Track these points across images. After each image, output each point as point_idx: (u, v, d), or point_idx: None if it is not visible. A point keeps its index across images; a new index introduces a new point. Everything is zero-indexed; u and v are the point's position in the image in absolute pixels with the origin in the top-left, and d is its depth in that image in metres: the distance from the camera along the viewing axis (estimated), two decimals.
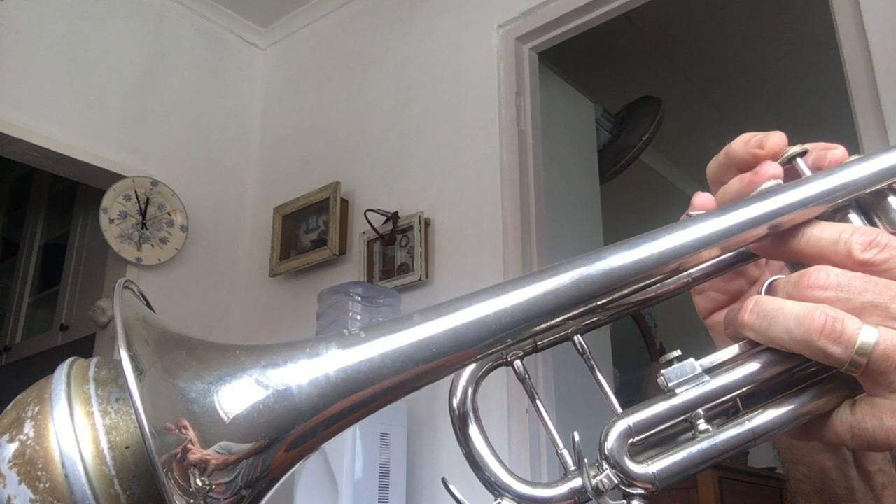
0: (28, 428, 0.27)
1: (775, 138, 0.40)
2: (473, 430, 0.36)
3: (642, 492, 0.33)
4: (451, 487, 0.35)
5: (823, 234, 0.36)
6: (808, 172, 0.39)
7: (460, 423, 0.36)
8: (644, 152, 3.57)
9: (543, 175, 2.47)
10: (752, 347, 0.37)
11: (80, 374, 0.29)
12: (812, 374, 0.37)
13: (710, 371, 0.36)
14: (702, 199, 0.42)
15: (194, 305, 2.90)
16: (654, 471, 0.33)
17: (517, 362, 0.37)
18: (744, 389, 0.36)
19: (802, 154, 0.40)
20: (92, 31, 2.84)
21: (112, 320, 2.70)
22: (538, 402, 0.37)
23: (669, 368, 0.36)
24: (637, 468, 0.33)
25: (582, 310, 0.35)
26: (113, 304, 0.29)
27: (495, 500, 0.35)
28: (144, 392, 0.26)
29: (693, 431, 0.35)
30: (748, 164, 0.41)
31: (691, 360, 0.36)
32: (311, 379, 0.29)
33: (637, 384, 3.75)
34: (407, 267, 2.50)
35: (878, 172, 0.38)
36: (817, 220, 0.37)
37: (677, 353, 0.36)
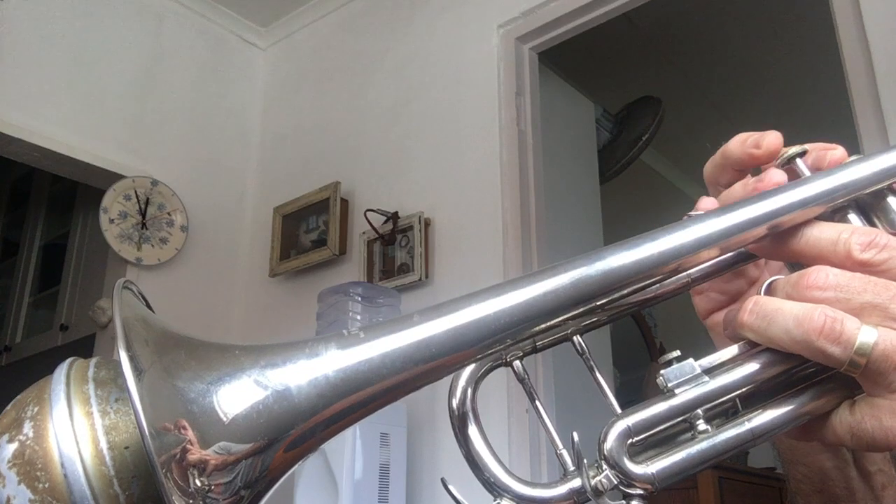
0: (27, 428, 0.27)
1: (771, 138, 0.40)
2: (473, 431, 0.36)
3: (641, 492, 0.33)
4: (451, 488, 0.35)
5: (823, 234, 0.36)
6: (807, 173, 0.39)
7: (460, 423, 0.36)
8: (644, 152, 3.57)
9: (543, 175, 2.47)
10: (752, 348, 0.37)
11: (80, 374, 0.29)
12: (811, 375, 0.37)
13: (710, 371, 0.36)
14: (706, 203, 0.42)
15: (194, 305, 2.90)
16: (654, 471, 0.34)
17: (517, 363, 0.37)
18: (743, 390, 0.36)
19: (802, 154, 0.40)
20: (92, 31, 2.84)
21: (112, 320, 2.70)
22: (538, 402, 0.37)
23: (669, 369, 0.36)
24: (636, 468, 0.33)
25: (581, 310, 0.35)
26: (112, 304, 0.29)
27: (494, 500, 0.35)
28: (143, 392, 0.26)
29: (692, 432, 0.35)
30: (745, 164, 0.41)
31: (690, 360, 0.36)
32: (311, 379, 0.29)
33: (637, 384, 3.75)
34: (407, 267, 2.50)
35: (877, 173, 0.38)
36: (817, 221, 0.37)
37: (676, 353, 0.36)
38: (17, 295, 3.82)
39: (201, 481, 0.26)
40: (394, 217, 2.56)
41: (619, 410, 0.35)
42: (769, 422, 0.36)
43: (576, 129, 3.13)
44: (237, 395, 0.28)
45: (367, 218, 2.58)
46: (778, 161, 0.40)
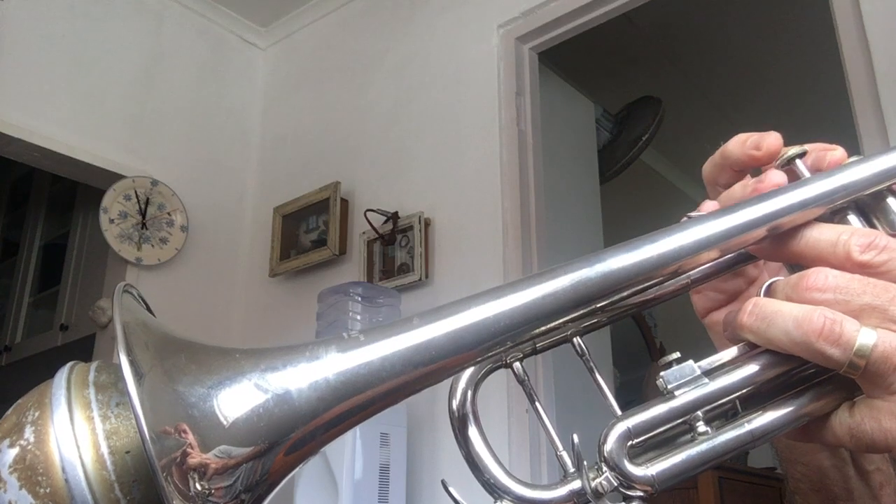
0: (28, 433, 0.27)
1: (771, 139, 0.40)
2: (473, 432, 0.36)
3: (641, 494, 0.33)
4: (451, 489, 0.35)
5: (822, 235, 0.36)
6: (807, 174, 0.39)
7: (460, 424, 0.36)
8: (644, 152, 3.57)
9: (543, 175, 2.47)
10: (751, 349, 0.37)
11: (80, 378, 0.29)
12: (811, 376, 0.37)
13: (709, 373, 0.36)
14: (709, 207, 0.42)
15: (194, 305, 2.90)
16: (654, 473, 0.34)
17: (516, 364, 0.37)
18: (743, 391, 0.36)
19: (801, 155, 0.40)
20: (92, 31, 2.85)
21: (112, 320, 2.70)
22: (537, 403, 0.37)
23: (668, 370, 0.36)
24: (636, 470, 0.33)
25: (581, 312, 0.35)
26: (113, 308, 0.29)
27: (494, 501, 0.35)
28: (144, 396, 0.26)
29: (692, 433, 0.35)
30: (745, 164, 0.41)
31: (690, 362, 0.36)
32: (311, 382, 0.29)
33: (637, 384, 3.75)
34: (407, 267, 2.50)
35: (877, 174, 0.38)
36: (816, 222, 0.37)
37: (676, 355, 0.36)
38: (17, 295, 3.83)
39: (202, 485, 0.26)
40: (394, 217, 2.56)
41: (618, 412, 0.35)
42: (769, 423, 0.36)
43: (576, 129, 3.13)
44: (238, 399, 0.28)
45: (367, 218, 2.58)
46: (777, 162, 0.40)
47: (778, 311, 0.34)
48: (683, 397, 0.35)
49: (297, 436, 0.29)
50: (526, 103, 2.50)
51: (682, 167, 4.56)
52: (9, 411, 0.29)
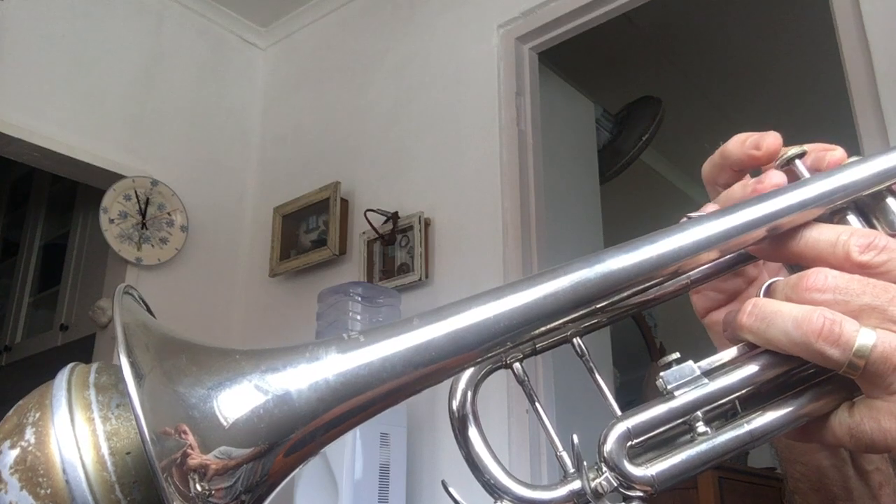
0: (29, 434, 0.27)
1: (771, 139, 0.40)
2: (473, 433, 0.36)
3: (641, 494, 0.33)
4: (451, 490, 0.35)
5: (822, 236, 0.36)
6: (806, 174, 0.39)
7: (460, 425, 0.36)
8: (644, 152, 3.57)
9: (543, 175, 2.47)
10: (751, 350, 0.37)
11: (81, 379, 0.29)
12: (810, 377, 0.37)
13: (709, 373, 0.36)
14: (712, 210, 0.42)
15: (194, 305, 2.90)
16: (653, 473, 0.34)
17: (516, 365, 0.37)
18: (742, 392, 0.36)
19: (801, 156, 0.40)
20: (92, 31, 2.85)
21: (112, 320, 2.71)
22: (537, 404, 0.37)
23: (668, 371, 0.36)
24: (636, 471, 0.33)
25: (581, 313, 0.35)
26: (114, 309, 0.29)
27: (494, 502, 0.35)
28: (144, 397, 0.26)
29: (692, 434, 0.35)
30: (744, 165, 0.41)
31: (690, 362, 0.36)
32: (311, 383, 0.29)
33: (637, 384, 3.75)
34: (407, 267, 2.50)
35: (876, 174, 0.38)
36: (816, 223, 0.37)
37: (676, 355, 0.36)
38: (17, 295, 3.83)
39: (202, 486, 0.26)
40: (394, 217, 2.56)
41: (618, 412, 0.35)
42: (768, 423, 0.36)
43: (576, 129, 3.13)
44: (238, 400, 0.28)
45: (367, 218, 2.58)
46: (777, 162, 0.40)
47: (777, 312, 0.34)
48: (683, 398, 0.35)
49: (297, 437, 0.29)
50: (526, 103, 2.50)
51: (682, 167, 4.56)
52: (10, 412, 0.29)
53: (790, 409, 0.36)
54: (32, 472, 0.27)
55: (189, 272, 2.94)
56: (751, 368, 0.36)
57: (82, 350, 3.01)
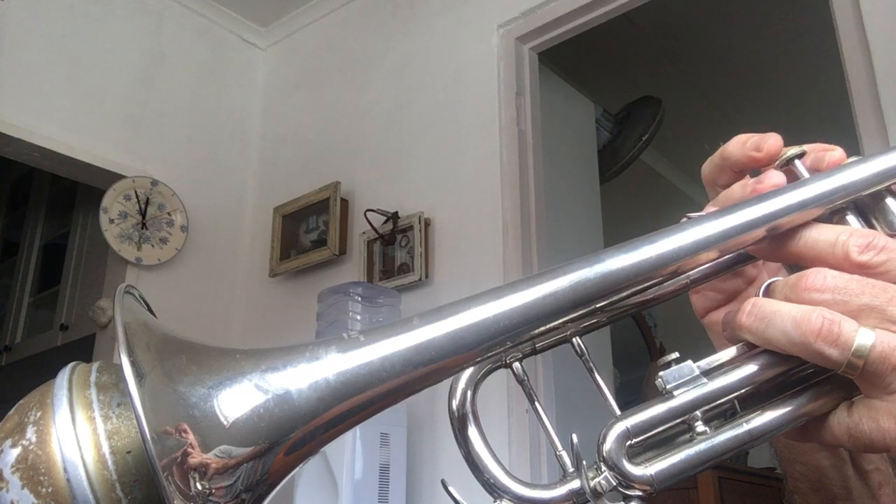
0: (30, 433, 0.27)
1: (772, 141, 0.40)
2: (472, 432, 0.36)
3: (640, 493, 0.34)
4: (451, 489, 0.35)
5: (821, 236, 0.36)
6: (806, 174, 0.39)
7: (459, 424, 0.36)
8: (644, 152, 3.57)
9: (543, 175, 2.48)
10: (750, 349, 0.37)
11: (82, 378, 0.29)
12: (809, 376, 0.37)
13: (708, 373, 0.36)
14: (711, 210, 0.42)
15: (194, 305, 2.90)
16: (652, 472, 0.34)
17: (516, 364, 0.37)
18: (741, 391, 0.36)
19: (800, 156, 0.40)
20: (92, 31, 2.85)
21: (112, 320, 2.71)
22: (537, 403, 0.37)
23: (667, 370, 0.36)
24: (635, 470, 0.34)
25: (580, 312, 0.35)
26: (113, 303, 0.29)
27: (494, 501, 0.35)
28: (145, 397, 0.26)
29: (691, 433, 0.35)
30: (745, 166, 0.41)
31: (689, 362, 0.36)
32: (311, 383, 0.29)
33: (637, 384, 3.75)
34: (407, 267, 2.50)
35: (875, 174, 0.38)
36: (815, 223, 0.37)
37: (675, 355, 0.36)
38: (17, 295, 3.83)
39: (202, 485, 0.26)
40: (394, 217, 2.56)
41: (618, 412, 0.35)
42: (767, 423, 0.36)
43: (576, 129, 3.13)
44: (238, 399, 0.28)
45: (367, 218, 2.58)
46: (777, 162, 0.40)
47: (776, 312, 0.34)
48: (682, 397, 0.35)
49: (297, 436, 0.29)
50: (526, 103, 2.50)
51: (682, 167, 4.56)
52: (11, 411, 0.29)
53: (789, 408, 0.36)
54: (34, 471, 0.27)
55: (189, 272, 2.94)
56: (750, 368, 0.36)
57: (82, 350, 3.01)
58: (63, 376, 0.29)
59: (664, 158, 4.45)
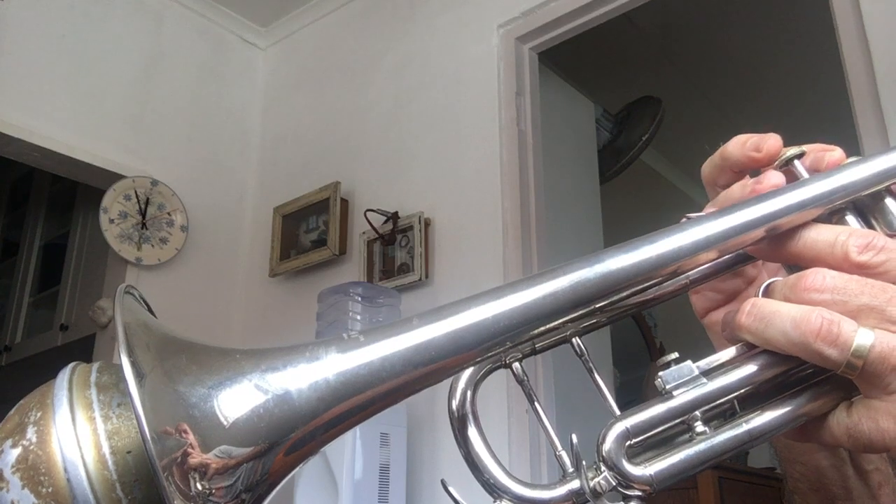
0: (31, 433, 0.27)
1: (772, 141, 0.40)
2: (472, 432, 0.36)
3: (640, 493, 0.34)
4: (451, 489, 0.35)
5: (820, 236, 0.36)
6: (805, 175, 0.39)
7: (459, 425, 0.36)
8: (644, 152, 3.57)
9: (543, 175, 2.48)
10: (750, 349, 0.37)
11: (82, 379, 0.29)
12: (809, 376, 0.37)
13: (708, 373, 0.36)
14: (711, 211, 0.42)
15: (194, 305, 2.90)
16: (652, 473, 0.34)
17: (516, 364, 0.37)
18: (741, 391, 0.36)
19: (800, 156, 0.40)
20: (92, 31, 2.85)
21: (112, 320, 2.71)
22: (537, 403, 0.37)
23: (667, 371, 0.36)
24: (634, 470, 0.34)
25: (580, 312, 0.35)
26: (113, 303, 0.29)
27: (494, 501, 0.35)
28: (145, 397, 0.26)
29: (690, 433, 0.35)
30: (744, 166, 0.41)
31: (689, 362, 0.36)
32: (311, 383, 0.29)
33: (637, 384, 3.75)
34: (407, 267, 2.50)
35: (875, 175, 0.38)
36: (814, 223, 0.37)
37: (675, 355, 0.36)
38: (17, 295, 3.83)
39: (202, 485, 0.26)
40: (394, 217, 2.56)
41: (617, 412, 0.35)
42: (767, 423, 0.36)
43: (576, 129, 3.13)
44: (238, 399, 0.28)
45: (367, 218, 2.58)
46: (776, 163, 0.40)
47: (776, 312, 0.34)
48: (682, 397, 0.35)
49: (297, 436, 0.29)
50: (526, 103, 2.50)
51: (682, 167, 4.56)
52: (11, 411, 0.29)
53: (788, 408, 0.36)
54: (34, 471, 0.27)
55: (189, 272, 2.94)
56: (749, 368, 0.36)
57: (82, 350, 3.01)
58: (63, 376, 0.29)
59: (664, 158, 4.45)
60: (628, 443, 0.34)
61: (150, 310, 0.34)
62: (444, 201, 2.52)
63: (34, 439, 0.27)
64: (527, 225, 2.35)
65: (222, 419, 0.27)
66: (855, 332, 0.33)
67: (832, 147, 0.41)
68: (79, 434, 0.27)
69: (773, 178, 0.39)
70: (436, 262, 2.47)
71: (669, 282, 0.38)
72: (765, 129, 0.42)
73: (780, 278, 0.37)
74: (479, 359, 0.33)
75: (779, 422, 0.36)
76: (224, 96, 3.25)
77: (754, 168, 0.42)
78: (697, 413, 0.35)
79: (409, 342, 0.31)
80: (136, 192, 2.83)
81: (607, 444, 0.34)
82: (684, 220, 0.38)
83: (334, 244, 2.72)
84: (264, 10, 3.32)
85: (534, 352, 0.38)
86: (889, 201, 0.38)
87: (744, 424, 0.36)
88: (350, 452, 1.98)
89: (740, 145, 0.41)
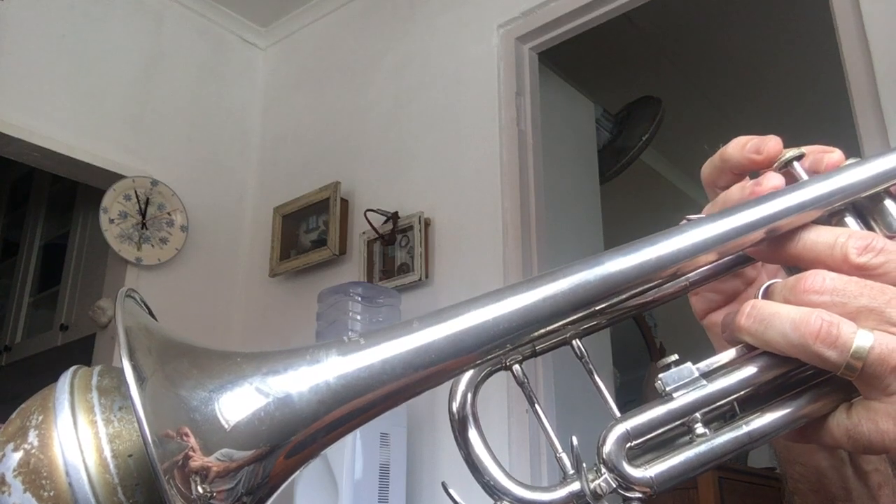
0: (32, 437, 0.27)
1: (772, 143, 0.40)
2: (473, 434, 0.36)
3: (640, 495, 0.34)
4: (451, 491, 0.35)
5: (819, 238, 0.36)
6: (804, 176, 0.39)
7: (460, 427, 0.36)
8: (644, 152, 3.57)
9: (543, 175, 2.48)
10: (749, 351, 0.37)
11: (83, 382, 0.29)
12: (808, 378, 0.37)
13: (708, 375, 0.36)
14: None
15: (194, 305, 2.90)
16: (652, 475, 0.34)
17: (516, 366, 0.37)
18: (741, 393, 0.36)
19: (799, 158, 0.40)
20: (92, 31, 2.85)
21: (112, 320, 2.71)
22: (537, 405, 0.37)
23: (667, 372, 0.36)
24: (635, 472, 0.34)
25: (580, 315, 0.35)
26: (113, 303, 0.29)
27: (494, 503, 0.35)
28: (147, 400, 0.26)
29: (690, 435, 0.35)
30: (744, 168, 0.41)
31: (689, 364, 0.36)
32: (312, 386, 0.29)
33: (637, 384, 3.75)
34: (407, 267, 2.50)
35: (874, 176, 0.38)
36: (814, 225, 0.37)
37: (675, 357, 0.36)
38: (17, 295, 3.83)
39: (204, 488, 0.26)
40: (394, 217, 2.56)
41: (617, 414, 0.35)
42: (767, 425, 0.36)
43: (576, 129, 3.13)
44: (239, 403, 0.28)
45: (367, 218, 2.58)
46: (775, 164, 0.40)
47: (775, 314, 0.34)
48: (682, 399, 0.35)
49: (298, 439, 0.29)
50: (526, 103, 2.50)
51: (682, 167, 4.56)
52: (13, 415, 0.29)
53: (788, 410, 0.37)
54: (36, 475, 0.27)
55: (189, 272, 2.94)
56: (749, 370, 0.36)
57: (82, 350, 3.01)
58: (65, 380, 0.29)
59: (664, 158, 4.45)
60: (628, 445, 0.34)
61: (150, 313, 0.34)
62: (444, 201, 2.52)
63: (36, 443, 0.27)
64: (527, 225, 2.35)
65: (223, 422, 0.28)
66: (854, 333, 0.33)
67: (831, 148, 0.41)
68: (80, 437, 0.27)
69: (773, 179, 0.39)
70: (436, 262, 2.47)
71: (669, 283, 0.38)
72: (765, 129, 0.42)
73: (779, 280, 0.37)
74: (479, 361, 0.33)
75: (779, 423, 0.36)
76: (224, 96, 3.25)
77: (754, 170, 0.42)
78: (698, 415, 0.35)
79: (410, 345, 0.31)
80: (136, 192, 2.83)
81: (608, 446, 0.34)
82: (684, 221, 0.38)
83: (334, 244, 2.72)
84: (264, 10, 3.32)
85: (534, 354, 0.38)
86: (888, 203, 0.38)
87: (744, 426, 0.36)
88: (350, 453, 1.98)
89: (740, 147, 0.41)
